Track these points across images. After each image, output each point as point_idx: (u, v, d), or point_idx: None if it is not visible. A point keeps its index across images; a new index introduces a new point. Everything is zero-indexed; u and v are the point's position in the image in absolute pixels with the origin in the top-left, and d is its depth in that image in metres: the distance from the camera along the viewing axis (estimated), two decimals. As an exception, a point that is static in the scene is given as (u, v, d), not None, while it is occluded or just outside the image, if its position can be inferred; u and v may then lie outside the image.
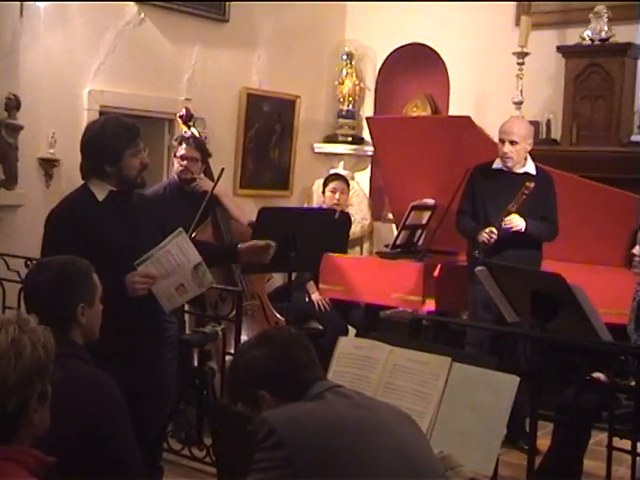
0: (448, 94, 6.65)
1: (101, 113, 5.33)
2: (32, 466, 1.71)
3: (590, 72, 5.79)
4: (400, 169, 5.69)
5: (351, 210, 6.23)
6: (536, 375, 3.26)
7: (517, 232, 4.43)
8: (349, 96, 6.93)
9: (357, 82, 6.96)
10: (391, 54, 6.91)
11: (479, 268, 3.90)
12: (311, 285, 5.68)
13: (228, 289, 4.39)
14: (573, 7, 6.09)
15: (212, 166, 5.01)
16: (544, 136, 6.04)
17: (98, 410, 2.24)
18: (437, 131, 5.49)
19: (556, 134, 6.03)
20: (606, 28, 5.77)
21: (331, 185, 5.89)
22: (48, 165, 5.22)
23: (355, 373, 2.62)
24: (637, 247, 3.78)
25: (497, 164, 4.61)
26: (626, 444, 3.31)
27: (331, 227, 4.46)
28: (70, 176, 5.10)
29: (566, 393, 3.72)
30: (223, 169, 4.79)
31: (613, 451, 3.31)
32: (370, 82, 7.06)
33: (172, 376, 3.76)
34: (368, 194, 6.88)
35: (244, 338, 4.19)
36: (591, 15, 5.82)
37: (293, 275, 4.58)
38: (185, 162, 4.75)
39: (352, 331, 5.60)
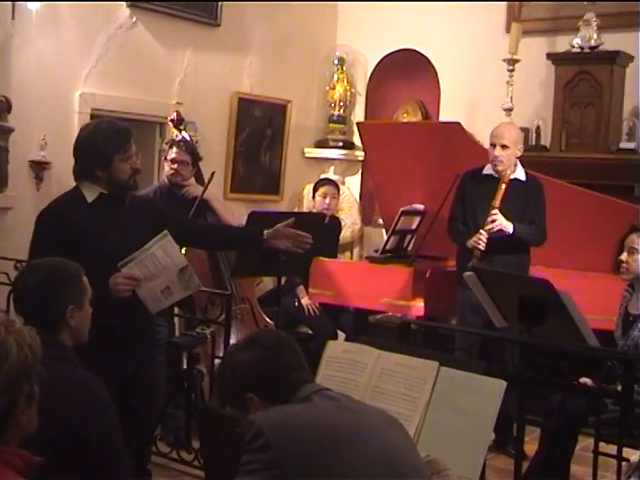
0: (439, 100, 6.68)
1: (92, 116, 5.33)
2: (19, 466, 1.71)
3: (579, 79, 5.83)
4: (390, 174, 5.71)
5: (341, 215, 6.25)
6: (523, 380, 3.27)
7: (505, 236, 4.45)
8: (340, 101, 6.96)
9: (348, 87, 6.99)
10: (382, 60, 6.94)
11: (467, 273, 3.92)
12: (301, 289, 5.68)
13: (218, 292, 4.39)
14: (563, 15, 6.14)
15: (203, 170, 5.02)
16: (534, 142, 6.08)
17: (86, 412, 2.24)
18: (427, 137, 5.51)
19: (545, 141, 6.07)
20: (595, 36, 5.81)
21: (321, 190, 5.90)
22: (39, 168, 5.22)
23: (343, 377, 2.62)
24: (625, 254, 3.80)
25: (487, 170, 4.63)
26: (613, 449, 3.33)
27: (321, 232, 4.47)
28: (61, 179, 5.11)
29: (552, 398, 3.74)
30: (213, 173, 4.81)
31: (600, 456, 3.32)
32: (361, 87, 7.09)
33: (162, 379, 3.76)
34: (358, 199, 6.90)
35: (233, 342, 4.19)
36: (581, 23, 5.86)
37: (283, 279, 4.59)
38: (176, 166, 4.75)
39: (342, 335, 5.60)
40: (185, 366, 3.95)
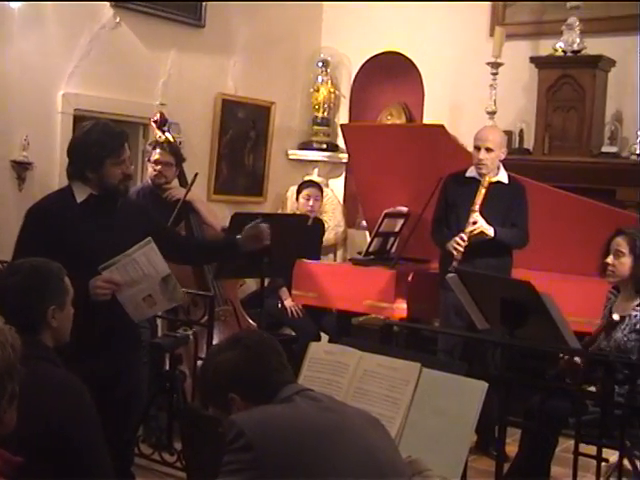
0: (422, 103, 6.70)
1: (75, 117, 5.32)
2: (-1, 466, 1.71)
3: (562, 83, 5.87)
4: (374, 176, 5.72)
5: (325, 217, 6.26)
6: (505, 381, 3.29)
7: (487, 239, 4.46)
8: (324, 103, 6.96)
9: (332, 89, 6.99)
10: (366, 62, 6.95)
11: (450, 275, 3.93)
12: (284, 291, 5.69)
13: (201, 294, 4.39)
14: (546, 19, 6.17)
15: (186, 171, 5.01)
16: (517, 146, 6.11)
17: (67, 413, 2.23)
18: (411, 139, 5.52)
19: (529, 144, 6.10)
20: (578, 40, 5.84)
21: (305, 192, 5.91)
22: (21, 168, 5.18)
23: (326, 378, 2.63)
24: (611, 256, 3.81)
25: (470, 172, 4.64)
26: (593, 450, 3.34)
27: (305, 234, 4.48)
28: (43, 179, 5.09)
29: (533, 399, 3.75)
30: (197, 174, 4.80)
31: (580, 457, 3.33)
32: (345, 90, 7.10)
33: (144, 380, 3.75)
34: (342, 201, 6.90)
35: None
36: (564, 27, 5.89)
37: (266, 281, 4.59)
38: (159, 167, 4.74)
39: (324, 337, 5.61)
40: (167, 367, 3.94)
